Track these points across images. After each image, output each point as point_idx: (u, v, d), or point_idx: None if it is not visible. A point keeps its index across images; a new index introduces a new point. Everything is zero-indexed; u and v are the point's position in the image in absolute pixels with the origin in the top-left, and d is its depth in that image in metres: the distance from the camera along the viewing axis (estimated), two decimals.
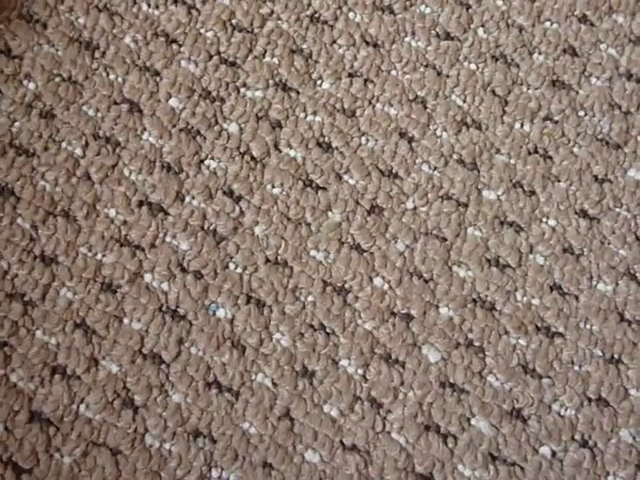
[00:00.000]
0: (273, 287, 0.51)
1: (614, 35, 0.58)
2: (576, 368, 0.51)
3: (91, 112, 0.53)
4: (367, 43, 0.56)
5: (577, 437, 0.50)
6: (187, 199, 0.52)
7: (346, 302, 0.51)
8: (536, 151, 0.55)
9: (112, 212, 0.51)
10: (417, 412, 0.49)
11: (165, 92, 0.54)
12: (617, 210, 0.55)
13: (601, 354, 0.52)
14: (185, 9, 0.55)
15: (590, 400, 0.51)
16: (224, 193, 0.52)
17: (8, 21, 0.54)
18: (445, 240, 0.53)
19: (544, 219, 0.54)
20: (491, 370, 0.51)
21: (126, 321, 0.49)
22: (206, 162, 0.53)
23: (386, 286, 0.51)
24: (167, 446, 0.47)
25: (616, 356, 0.52)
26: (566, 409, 0.50)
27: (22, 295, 0.49)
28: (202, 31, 0.55)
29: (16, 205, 0.50)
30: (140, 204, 0.51)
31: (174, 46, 0.55)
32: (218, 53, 0.55)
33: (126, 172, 0.52)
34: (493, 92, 0.56)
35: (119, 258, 0.50)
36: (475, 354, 0.51)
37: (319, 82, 0.55)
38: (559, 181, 0.55)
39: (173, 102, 0.53)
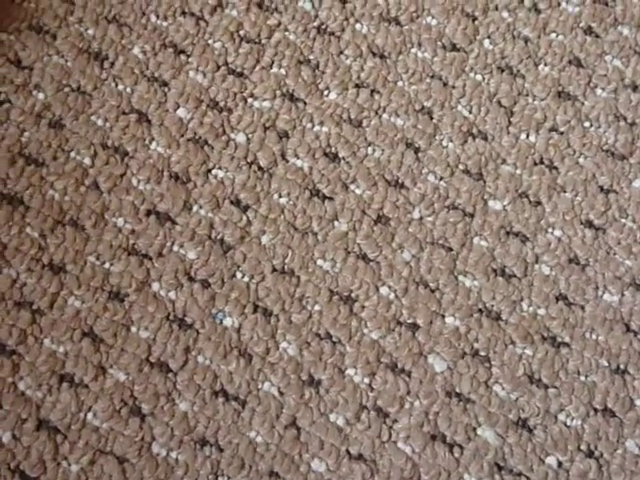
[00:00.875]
0: (280, 296, 0.51)
1: (619, 47, 0.58)
2: (582, 378, 0.51)
3: (100, 122, 0.53)
4: (374, 54, 0.57)
5: (583, 447, 0.50)
6: (194, 208, 0.52)
7: (352, 311, 0.51)
8: (542, 162, 0.56)
9: (120, 221, 0.51)
10: (423, 421, 0.49)
11: (173, 102, 0.54)
12: (623, 221, 0.55)
13: (607, 364, 0.52)
14: (193, 20, 0.56)
15: (596, 410, 0.51)
16: (231, 202, 0.52)
17: (18, 32, 0.54)
18: (451, 250, 0.53)
19: (550, 229, 0.54)
20: (497, 380, 0.51)
21: (133, 329, 0.49)
22: (213, 172, 0.53)
23: (392, 295, 0.52)
24: (174, 455, 0.47)
25: (622, 366, 0.52)
26: (572, 419, 0.50)
27: (30, 303, 0.49)
28: (210, 42, 0.56)
29: (25, 214, 0.50)
30: (148, 213, 0.52)
31: (182, 57, 0.55)
32: (226, 64, 0.55)
33: (134, 181, 0.52)
34: (499, 103, 0.56)
35: (127, 267, 0.50)
36: (481, 364, 0.51)
37: (326, 93, 0.55)
38: (565, 192, 0.55)
39: (181, 112, 0.54)
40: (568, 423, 0.50)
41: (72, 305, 0.49)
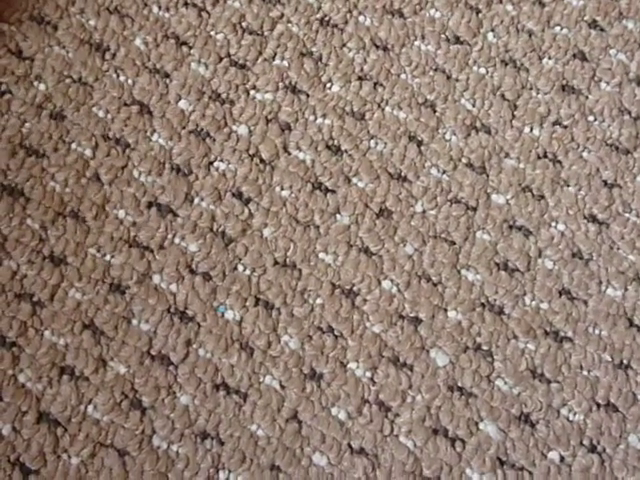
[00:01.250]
0: (281, 289, 0.51)
1: (624, 40, 0.58)
2: (585, 373, 0.51)
3: (101, 113, 0.53)
4: (377, 46, 0.56)
5: (585, 442, 0.50)
6: (196, 201, 0.52)
7: (354, 305, 0.51)
8: (545, 155, 0.55)
9: (121, 213, 0.51)
10: (425, 416, 0.49)
11: (175, 94, 0.54)
12: (626, 215, 0.54)
13: (610, 359, 0.51)
14: (195, 11, 0.55)
15: (599, 405, 0.50)
16: (233, 195, 0.52)
17: (19, 23, 0.54)
18: (454, 244, 0.53)
19: (553, 223, 0.54)
20: (499, 374, 0.50)
21: (134, 322, 0.49)
22: (215, 164, 0.53)
23: (394, 289, 0.51)
24: (175, 448, 0.47)
25: (625, 361, 0.51)
26: (575, 414, 0.50)
27: (31, 295, 0.49)
28: (212, 33, 0.55)
29: (26, 205, 0.50)
30: (149, 205, 0.51)
31: (184, 48, 0.55)
32: (228, 55, 0.55)
33: (135, 173, 0.52)
34: (502, 96, 0.56)
35: (128, 259, 0.50)
36: (483, 358, 0.51)
37: (329, 85, 0.55)
38: (568, 186, 0.55)
39: (183, 104, 0.54)
40: (571, 418, 0.50)
41: (73, 297, 0.49)
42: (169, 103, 0.53)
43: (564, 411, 0.50)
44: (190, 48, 0.55)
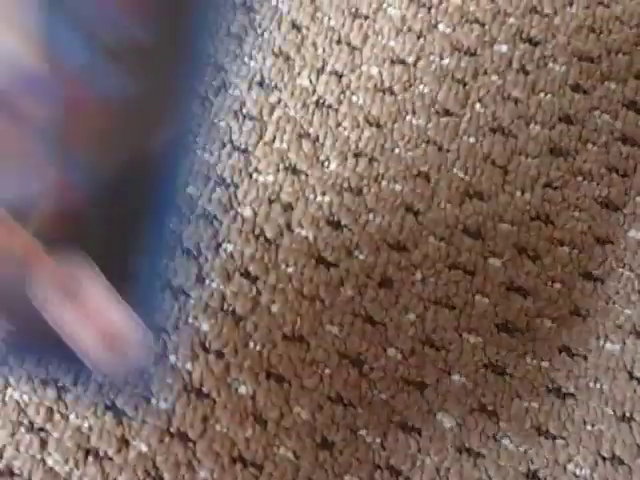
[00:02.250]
0: (291, 362, 0.53)
1: (607, 101, 0.61)
2: (589, 427, 0.52)
3: None
4: (370, 124, 0.59)
5: None
6: (207, 282, 0.54)
7: (362, 373, 0.53)
8: (538, 217, 0.57)
9: None
10: (435, 478, 0.51)
11: (183, 180, 0.57)
12: (620, 270, 0.56)
13: (612, 412, 0.53)
14: (199, 101, 0.59)
15: (604, 459, 0.52)
16: (241, 274, 0.55)
17: None
18: (454, 308, 0.55)
19: (549, 283, 0.56)
20: (505, 433, 0.52)
21: (153, 401, 0.51)
22: (223, 245, 0.56)
23: (399, 356, 0.53)
24: None
25: (627, 414, 0.53)
26: (581, 469, 0.51)
27: (55, 381, 0.51)
28: (215, 121, 0.59)
29: None
30: (162, 289, 0.54)
31: (189, 136, 0.58)
32: (231, 141, 0.58)
33: None
34: (493, 163, 0.59)
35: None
36: (489, 418, 0.52)
37: (326, 164, 0.58)
38: (562, 245, 0.57)
39: (191, 190, 0.57)
40: (577, 473, 0.51)
41: (95, 381, 0.52)
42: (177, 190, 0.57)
43: (570, 466, 0.52)
44: (195, 136, 0.58)
